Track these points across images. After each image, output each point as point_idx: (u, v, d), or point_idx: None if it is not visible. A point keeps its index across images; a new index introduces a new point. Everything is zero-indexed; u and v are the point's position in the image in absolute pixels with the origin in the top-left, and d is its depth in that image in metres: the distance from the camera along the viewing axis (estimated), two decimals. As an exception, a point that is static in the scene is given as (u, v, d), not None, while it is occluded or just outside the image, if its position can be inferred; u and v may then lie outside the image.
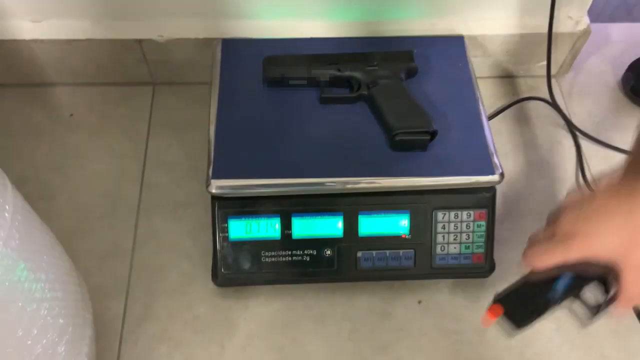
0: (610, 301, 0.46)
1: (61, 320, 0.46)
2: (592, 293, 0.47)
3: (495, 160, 0.59)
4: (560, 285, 0.47)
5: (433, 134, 0.59)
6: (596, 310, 0.47)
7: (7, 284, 0.40)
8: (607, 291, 0.47)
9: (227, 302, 0.63)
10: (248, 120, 0.62)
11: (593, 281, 0.47)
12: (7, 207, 0.41)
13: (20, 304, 0.42)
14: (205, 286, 0.63)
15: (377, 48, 0.66)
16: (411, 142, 0.59)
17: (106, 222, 0.68)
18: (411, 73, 0.64)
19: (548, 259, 0.45)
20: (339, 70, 0.63)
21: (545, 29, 0.71)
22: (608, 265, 0.43)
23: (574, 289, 0.47)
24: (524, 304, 0.48)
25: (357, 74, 0.63)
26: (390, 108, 0.60)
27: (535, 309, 0.48)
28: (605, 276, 0.46)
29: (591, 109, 0.79)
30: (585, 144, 0.75)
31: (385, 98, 0.61)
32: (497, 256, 0.64)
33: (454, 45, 0.69)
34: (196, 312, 0.62)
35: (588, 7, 0.73)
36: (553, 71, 0.79)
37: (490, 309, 0.48)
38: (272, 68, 0.63)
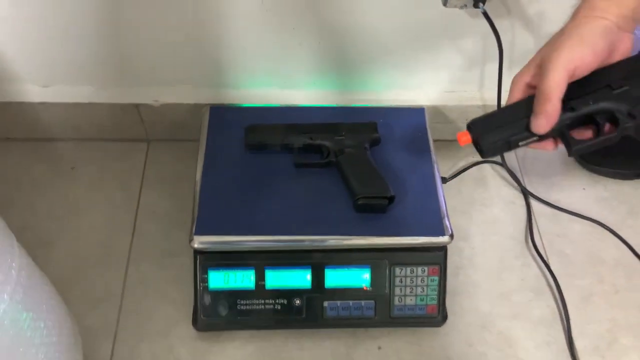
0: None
1: (55, 363, 0.53)
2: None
3: (446, 222, 0.67)
4: None
5: (391, 199, 0.67)
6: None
7: (11, 332, 0.47)
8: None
9: (205, 345, 0.69)
10: (229, 181, 0.70)
11: (581, 122, 0.47)
12: (14, 264, 0.48)
13: (21, 349, 0.48)
14: (187, 330, 0.69)
15: (347, 117, 0.75)
16: (371, 206, 0.66)
17: (99, 269, 0.75)
18: (375, 142, 0.72)
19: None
20: (311, 138, 0.71)
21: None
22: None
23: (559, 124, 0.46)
24: (495, 132, 0.47)
25: (327, 143, 0.71)
26: (353, 175, 0.68)
27: (508, 138, 0.47)
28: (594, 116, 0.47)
29: (543, 171, 0.87)
30: (535, 204, 0.83)
31: (350, 165, 0.69)
32: (451, 307, 0.71)
33: (416, 115, 0.77)
34: (177, 355, 0.68)
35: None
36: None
37: (460, 135, 0.49)
38: (252, 136, 0.72)
